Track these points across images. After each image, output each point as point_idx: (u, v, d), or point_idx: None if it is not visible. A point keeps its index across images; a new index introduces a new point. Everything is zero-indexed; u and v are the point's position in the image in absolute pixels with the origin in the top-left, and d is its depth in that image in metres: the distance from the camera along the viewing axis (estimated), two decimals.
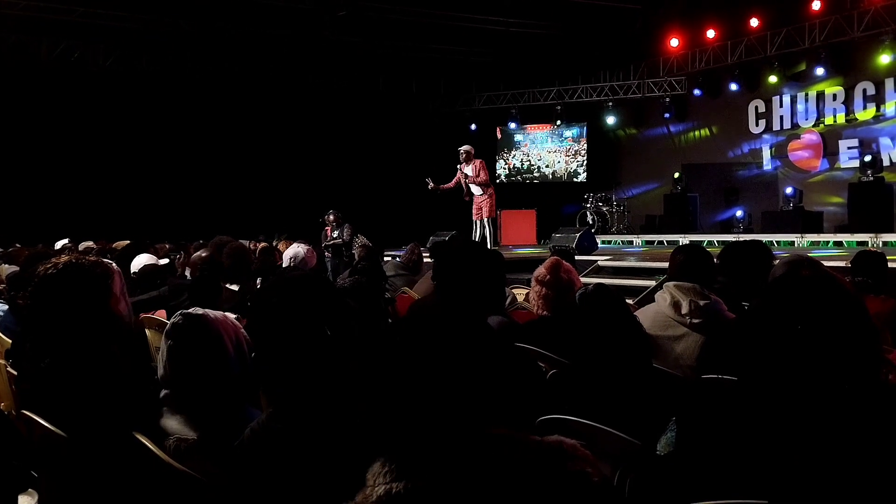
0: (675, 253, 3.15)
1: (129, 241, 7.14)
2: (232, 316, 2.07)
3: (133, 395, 2.03)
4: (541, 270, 3.33)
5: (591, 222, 14.21)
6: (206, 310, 1.99)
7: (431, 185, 10.43)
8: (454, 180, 10.43)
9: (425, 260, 6.68)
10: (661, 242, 12.77)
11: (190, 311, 1.97)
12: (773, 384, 1.30)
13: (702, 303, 2.82)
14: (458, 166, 10.36)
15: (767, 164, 13.90)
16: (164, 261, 5.68)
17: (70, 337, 2.11)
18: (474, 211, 10.43)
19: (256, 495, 1.44)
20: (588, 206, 14.58)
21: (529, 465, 1.08)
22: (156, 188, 13.50)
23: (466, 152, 10.34)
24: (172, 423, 1.92)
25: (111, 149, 13.42)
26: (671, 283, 2.94)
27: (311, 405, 1.43)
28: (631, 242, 13.41)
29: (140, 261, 5.34)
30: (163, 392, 1.96)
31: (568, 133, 16.37)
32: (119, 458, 1.88)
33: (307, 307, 1.49)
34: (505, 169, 16.76)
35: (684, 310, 2.83)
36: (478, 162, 10.36)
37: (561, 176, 16.41)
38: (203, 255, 4.71)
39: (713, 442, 1.49)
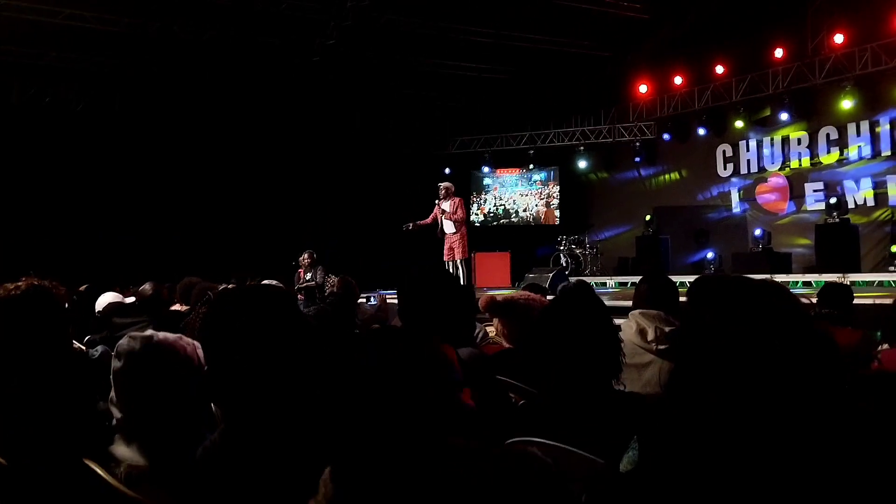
0: (639, 283, 3.17)
1: (87, 285, 7.00)
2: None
3: (85, 421, 1.97)
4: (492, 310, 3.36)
5: (564, 264, 14.28)
6: (161, 332, 1.94)
7: (411, 226, 10.49)
8: (431, 216, 10.49)
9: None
10: (633, 283, 12.83)
11: (143, 333, 1.92)
12: (720, 392, 1.29)
13: (667, 329, 2.83)
14: (437, 201, 10.43)
15: (736, 207, 14.14)
16: (131, 299, 5.57)
17: (26, 362, 2.05)
18: (446, 251, 10.43)
19: None
20: (561, 248, 14.66)
21: (486, 473, 1.05)
22: (128, 231, 13.39)
23: (446, 188, 10.43)
24: (124, 450, 1.86)
25: (83, 192, 13.31)
26: (636, 312, 2.95)
27: (265, 419, 1.39)
28: (604, 284, 13.48)
29: (105, 299, 5.25)
30: (114, 418, 1.89)
31: (537, 177, 16.60)
32: (70, 486, 1.81)
33: (262, 318, 1.46)
34: (479, 214, 16.87)
35: (650, 336, 2.83)
36: (456, 199, 10.45)
37: (539, 219, 16.57)
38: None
39: (674, 456, 1.47)
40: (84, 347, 4.22)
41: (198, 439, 1.75)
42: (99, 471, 1.78)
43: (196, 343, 1.94)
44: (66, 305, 3.43)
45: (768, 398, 1.32)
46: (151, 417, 1.84)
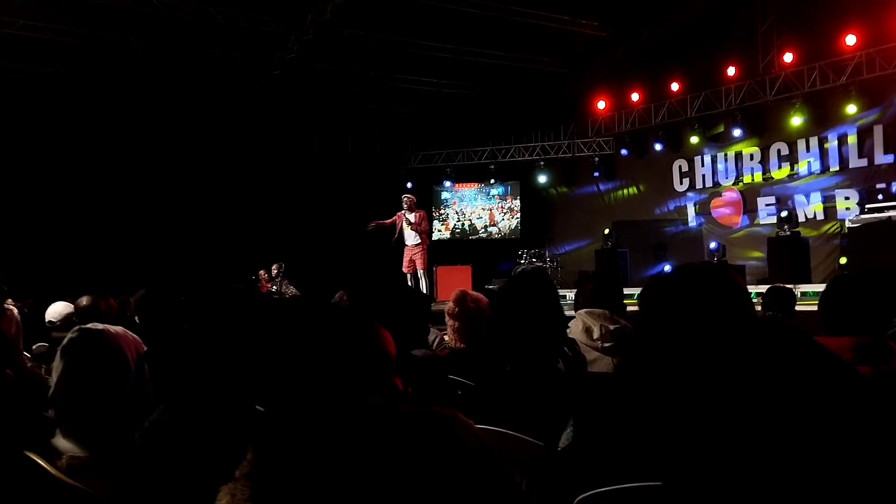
0: (584, 281, 3.24)
1: (32, 299, 6.90)
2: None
3: (26, 415, 1.97)
4: (449, 305, 3.38)
5: None
6: (106, 325, 1.95)
7: (373, 225, 10.55)
8: (391, 220, 10.56)
9: None
10: None
11: (88, 326, 1.93)
12: (650, 360, 1.35)
13: (612, 327, 2.90)
14: (400, 212, 10.51)
15: (692, 221, 14.42)
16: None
17: None
18: (406, 263, 10.49)
19: (153, 489, 1.41)
20: (522, 262, 14.77)
21: (400, 431, 1.08)
22: (128, 231, 13.27)
23: (412, 200, 10.57)
24: (65, 443, 1.86)
25: (82, 193, 13.22)
26: (583, 311, 3.02)
27: (199, 394, 1.41)
28: (564, 296, 13.60)
29: (57, 309, 5.18)
30: (54, 411, 1.89)
31: (495, 191, 16.76)
32: (10, 479, 1.80)
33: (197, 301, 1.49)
34: (442, 231, 16.92)
35: (596, 335, 2.90)
36: (421, 212, 10.60)
37: (505, 234, 16.70)
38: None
39: (606, 431, 1.53)
40: (29, 355, 4.18)
41: (138, 426, 1.77)
42: (40, 462, 1.78)
43: (137, 338, 1.95)
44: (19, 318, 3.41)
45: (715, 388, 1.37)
46: (89, 406, 1.84)
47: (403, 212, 10.47)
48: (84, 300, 4.63)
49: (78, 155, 13.40)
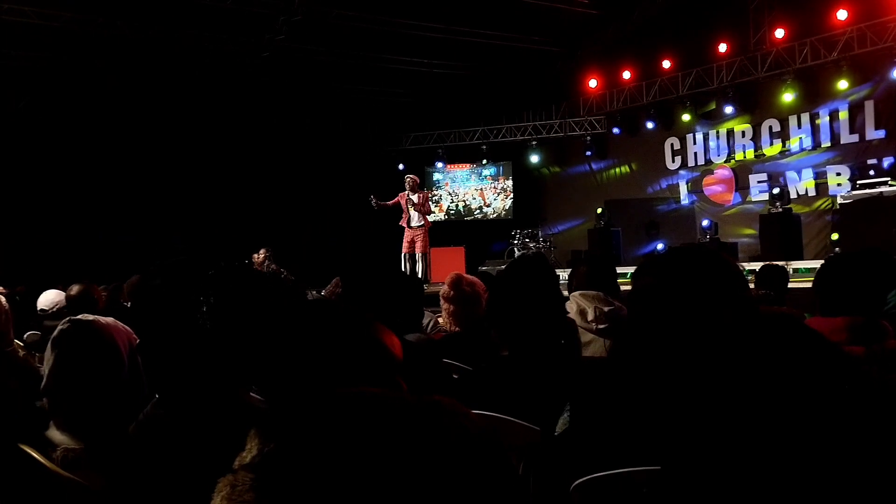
0: (578, 264, 3.24)
1: (24, 287, 6.89)
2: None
3: (19, 407, 1.95)
4: (444, 288, 3.37)
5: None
6: (97, 316, 1.93)
7: (374, 201, 10.50)
8: (395, 200, 10.52)
9: None
10: None
11: (79, 317, 1.91)
12: (646, 344, 1.35)
13: (606, 309, 2.91)
14: (404, 192, 10.48)
15: (685, 199, 14.43)
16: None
17: None
18: (405, 245, 10.45)
19: (149, 483, 1.40)
20: (515, 242, 14.77)
21: (402, 420, 1.08)
22: (128, 231, 13.24)
23: (414, 180, 10.55)
24: (59, 435, 1.85)
25: (82, 192, 13.15)
26: (577, 293, 3.02)
27: (193, 386, 1.40)
28: (558, 276, 13.63)
29: (48, 297, 5.16)
30: (47, 403, 1.88)
31: (487, 172, 16.72)
32: (4, 471, 1.79)
33: (190, 287, 1.47)
34: (436, 212, 16.88)
35: (590, 316, 2.90)
36: (424, 193, 10.58)
37: (499, 214, 16.69)
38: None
39: (603, 416, 1.53)
40: (22, 344, 4.15)
41: (132, 418, 1.76)
42: (35, 455, 1.77)
43: (128, 329, 1.93)
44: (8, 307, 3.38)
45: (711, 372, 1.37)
46: (81, 398, 1.83)
47: (406, 193, 10.42)
48: (74, 289, 4.61)
49: (67, 142, 13.29)
